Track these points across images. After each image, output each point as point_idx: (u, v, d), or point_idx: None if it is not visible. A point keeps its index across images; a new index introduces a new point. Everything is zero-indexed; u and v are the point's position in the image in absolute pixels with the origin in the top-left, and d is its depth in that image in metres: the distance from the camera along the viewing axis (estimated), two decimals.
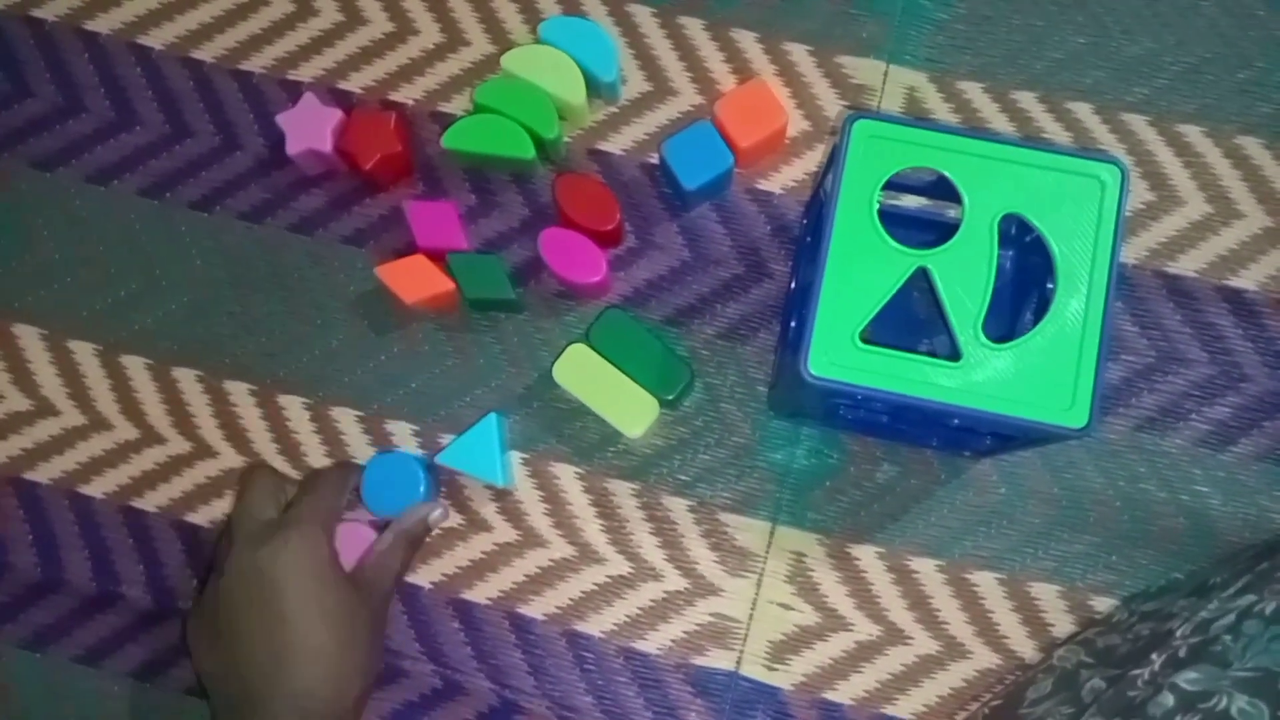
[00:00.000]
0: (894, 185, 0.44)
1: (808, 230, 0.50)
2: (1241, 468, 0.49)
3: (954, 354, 0.41)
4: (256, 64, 0.54)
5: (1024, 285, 0.46)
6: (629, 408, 0.49)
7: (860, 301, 0.41)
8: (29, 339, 0.53)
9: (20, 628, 0.51)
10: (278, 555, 0.43)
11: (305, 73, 0.54)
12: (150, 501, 0.51)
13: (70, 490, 0.52)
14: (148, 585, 0.51)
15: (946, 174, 0.42)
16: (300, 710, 0.42)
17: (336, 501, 0.48)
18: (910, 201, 0.49)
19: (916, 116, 0.52)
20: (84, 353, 0.52)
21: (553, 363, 0.49)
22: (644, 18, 0.54)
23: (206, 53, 0.54)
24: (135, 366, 0.52)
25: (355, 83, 0.54)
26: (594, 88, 0.52)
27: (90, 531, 0.51)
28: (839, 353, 0.39)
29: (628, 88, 0.53)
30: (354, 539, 0.48)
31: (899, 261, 0.42)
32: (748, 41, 0.53)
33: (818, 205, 0.47)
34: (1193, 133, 0.52)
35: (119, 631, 0.51)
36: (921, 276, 0.42)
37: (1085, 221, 0.42)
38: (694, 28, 0.53)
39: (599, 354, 0.49)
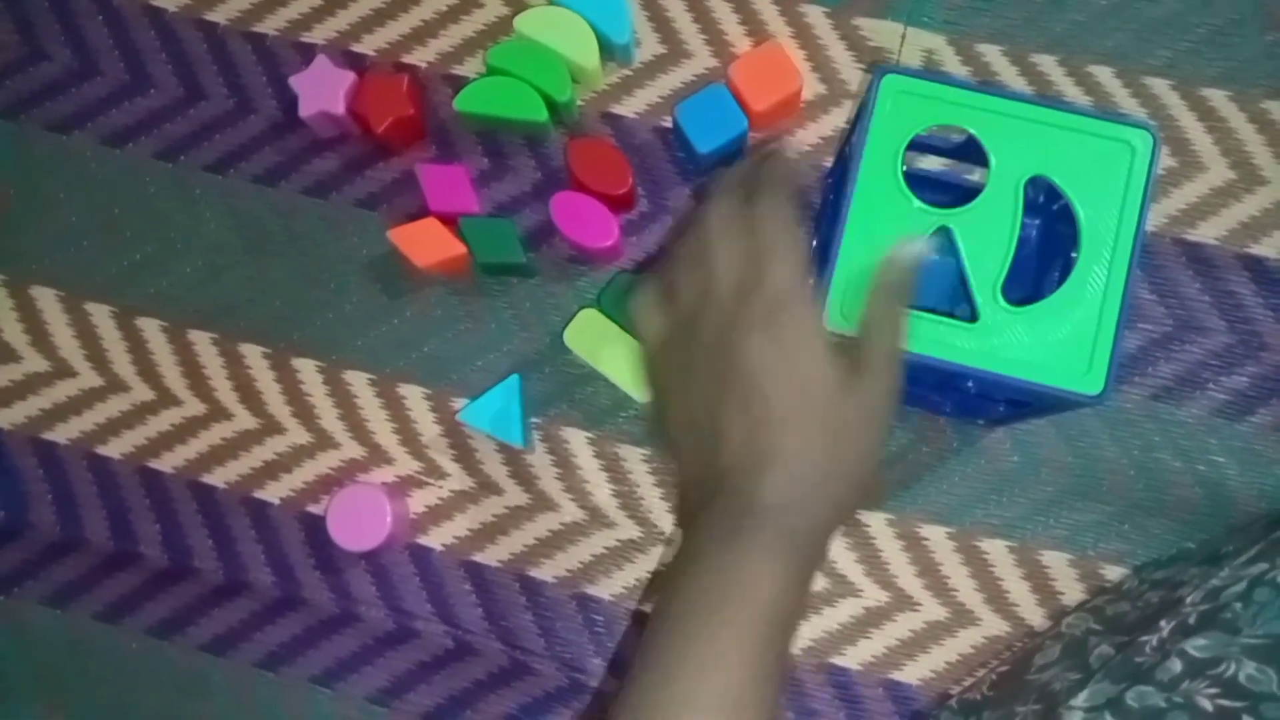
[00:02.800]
0: (916, 146, 0.43)
1: (831, 188, 0.50)
2: (1259, 438, 0.49)
3: (972, 315, 0.41)
4: (270, 26, 0.54)
5: (1049, 255, 0.46)
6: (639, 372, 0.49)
7: (881, 257, 0.40)
8: (46, 301, 0.53)
9: (42, 585, 0.52)
10: (774, 338, 0.37)
11: (319, 35, 0.54)
12: (166, 462, 0.52)
13: (88, 450, 0.52)
14: (164, 545, 0.52)
15: (974, 133, 0.42)
16: (777, 525, 0.36)
17: (805, 258, 0.39)
18: (933, 163, 0.49)
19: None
20: (100, 315, 0.53)
21: (564, 327, 0.49)
22: None
23: (220, 14, 0.54)
24: (151, 329, 0.53)
25: (368, 45, 0.54)
26: (607, 50, 0.51)
27: (108, 491, 0.52)
28: (857, 307, 0.39)
29: (641, 50, 0.53)
30: (364, 505, 0.49)
31: (921, 219, 0.41)
32: (763, 3, 0.53)
33: (842, 161, 0.46)
34: (1217, 97, 0.51)
35: (137, 589, 0.51)
36: (942, 237, 0.41)
37: (1113, 187, 0.41)
38: None
39: (609, 319, 0.49)
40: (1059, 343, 0.40)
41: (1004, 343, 0.40)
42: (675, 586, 0.38)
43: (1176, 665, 0.37)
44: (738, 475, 0.37)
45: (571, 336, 0.49)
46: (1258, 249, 0.50)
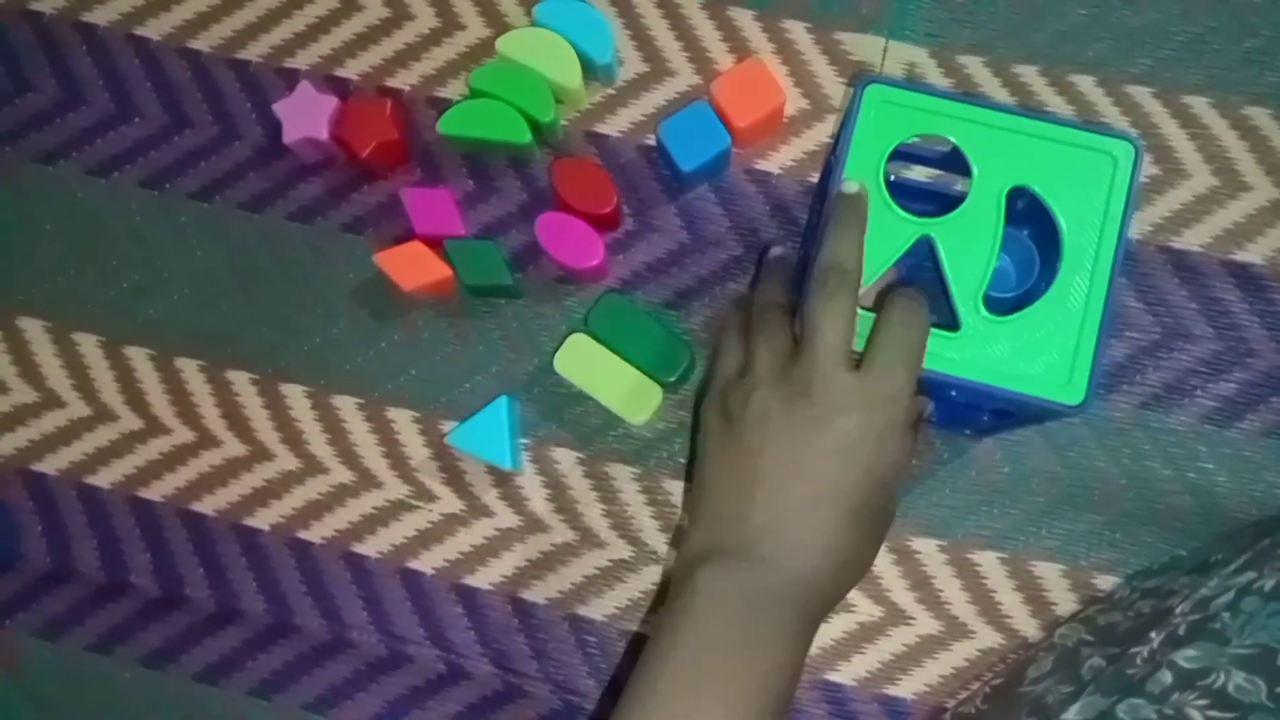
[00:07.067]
0: (900, 155, 0.43)
1: (816, 199, 0.50)
2: (1248, 444, 0.48)
3: (953, 324, 0.41)
4: (253, 53, 0.54)
5: (1041, 262, 0.46)
6: (632, 396, 0.49)
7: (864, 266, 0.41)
8: (34, 331, 0.53)
9: (34, 617, 0.52)
10: (864, 449, 0.39)
11: (302, 60, 0.54)
12: (156, 491, 0.52)
13: (78, 481, 0.52)
14: (155, 574, 0.51)
15: (956, 143, 0.42)
16: (796, 605, 0.39)
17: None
18: (917, 173, 0.49)
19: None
20: (88, 344, 0.53)
21: (553, 348, 0.49)
22: None
23: (203, 42, 0.54)
24: (139, 357, 0.53)
25: (351, 69, 0.54)
26: (590, 70, 0.51)
27: (98, 521, 0.52)
28: None
29: (624, 69, 0.53)
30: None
31: (903, 229, 0.41)
32: (745, 20, 0.53)
33: (827, 175, 0.47)
34: (1198, 104, 0.51)
35: (129, 619, 0.51)
36: (925, 246, 0.42)
37: (1095, 197, 0.41)
38: (691, 6, 0.53)
39: (598, 339, 0.49)
40: (1040, 353, 0.40)
41: (986, 352, 0.40)
42: (674, 640, 0.39)
43: (1167, 677, 0.36)
44: (764, 547, 0.39)
45: (561, 363, 0.49)
46: (1242, 255, 0.50)
